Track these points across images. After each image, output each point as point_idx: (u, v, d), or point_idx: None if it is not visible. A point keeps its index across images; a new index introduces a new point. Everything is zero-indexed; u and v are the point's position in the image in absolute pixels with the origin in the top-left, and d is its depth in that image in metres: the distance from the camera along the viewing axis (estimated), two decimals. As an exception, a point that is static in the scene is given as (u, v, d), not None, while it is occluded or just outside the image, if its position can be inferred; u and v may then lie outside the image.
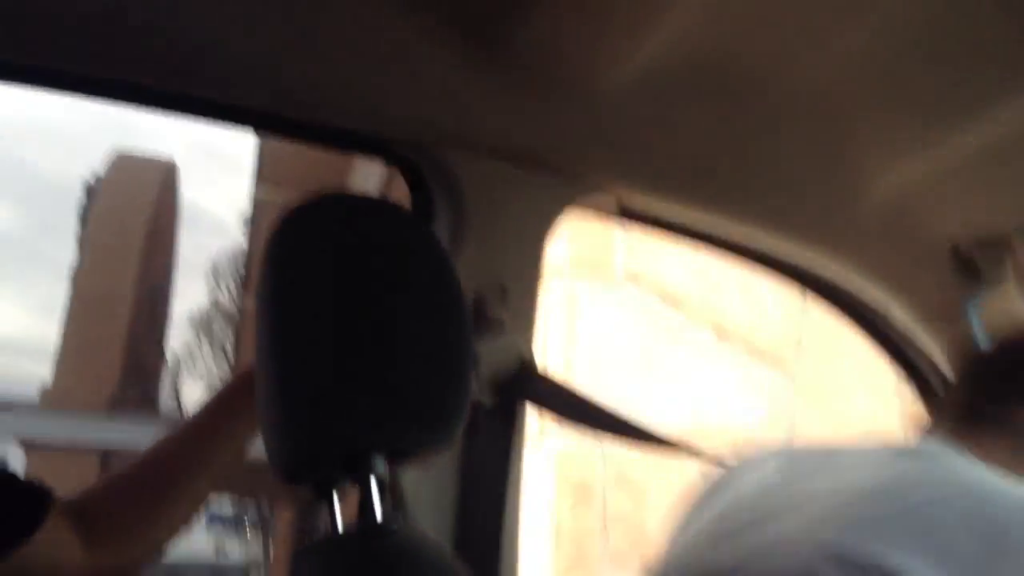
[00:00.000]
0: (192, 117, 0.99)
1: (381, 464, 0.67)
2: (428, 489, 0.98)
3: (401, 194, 1.07)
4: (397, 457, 0.70)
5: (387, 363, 0.68)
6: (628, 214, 1.17)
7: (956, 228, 1.15)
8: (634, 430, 0.98)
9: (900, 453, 0.84)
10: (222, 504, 17.39)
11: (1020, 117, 0.92)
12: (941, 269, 1.20)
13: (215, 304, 21.59)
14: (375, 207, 0.75)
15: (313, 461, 0.69)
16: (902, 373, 1.35)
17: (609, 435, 0.99)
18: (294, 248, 0.72)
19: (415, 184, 1.05)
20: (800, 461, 0.90)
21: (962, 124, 0.97)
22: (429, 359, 0.71)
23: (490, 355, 0.98)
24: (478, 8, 0.88)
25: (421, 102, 0.98)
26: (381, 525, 0.67)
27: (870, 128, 1.02)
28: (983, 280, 1.19)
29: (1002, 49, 0.85)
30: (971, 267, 1.18)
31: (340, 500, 0.74)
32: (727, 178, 1.12)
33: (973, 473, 0.77)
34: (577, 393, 1.00)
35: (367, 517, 0.68)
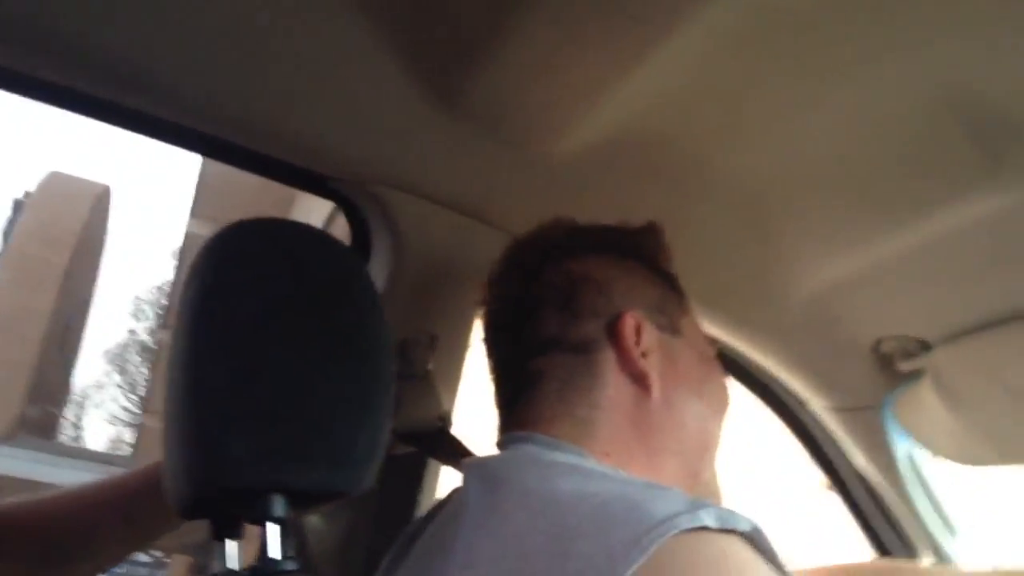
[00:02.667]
0: (139, 132, 0.97)
1: (281, 505, 0.65)
2: (334, 537, 0.95)
3: (341, 237, 1.05)
4: (299, 499, 0.67)
5: (296, 399, 0.66)
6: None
7: (879, 327, 1.18)
8: None
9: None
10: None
11: (952, 225, 0.95)
12: (861, 365, 1.22)
13: (132, 337, 21.00)
14: (308, 236, 0.73)
15: (209, 497, 0.65)
16: (815, 463, 1.36)
17: None
18: (219, 267, 0.70)
19: (355, 224, 1.04)
20: None
21: (900, 227, 1.00)
22: (342, 400, 0.68)
23: (410, 404, 0.95)
24: (438, 57, 0.88)
25: (369, 141, 0.97)
26: (273, 567, 0.64)
27: (808, 223, 1.04)
28: (900, 379, 1.21)
29: (945, 158, 0.88)
30: (889, 366, 1.21)
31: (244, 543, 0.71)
32: (662, 255, 1.13)
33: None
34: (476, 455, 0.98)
35: (262, 559, 0.64)
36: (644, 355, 0.76)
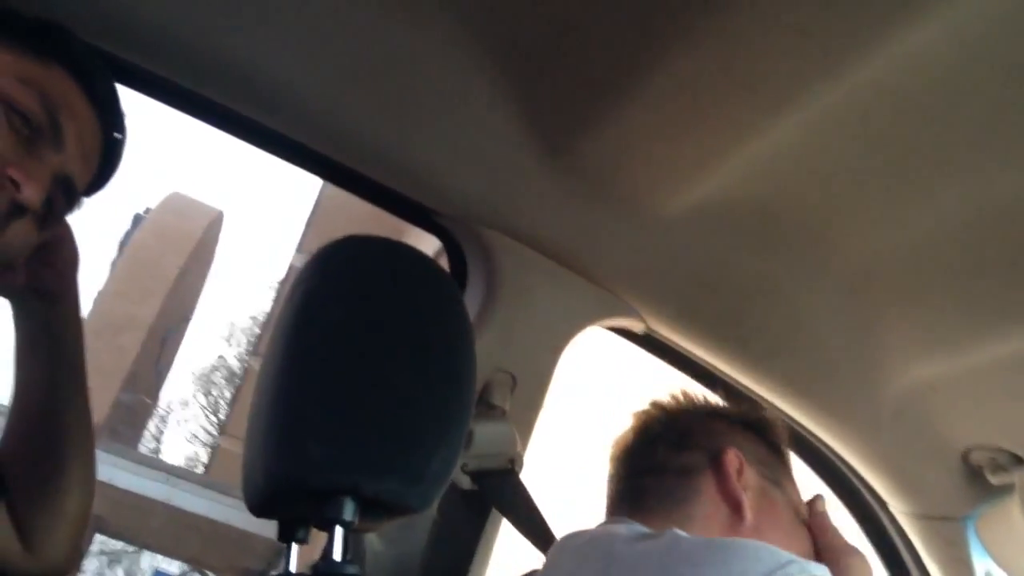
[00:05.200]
0: (260, 147, 1.03)
1: (350, 509, 0.66)
2: (390, 561, 0.96)
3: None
4: (369, 508, 0.68)
5: (380, 410, 0.68)
6: (651, 342, 1.18)
7: (972, 435, 1.13)
8: None
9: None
10: (170, 564, 16.89)
11: None
12: (948, 473, 1.17)
13: (221, 362, 21.60)
14: (415, 258, 0.76)
15: (282, 494, 0.67)
16: (887, 570, 1.30)
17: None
18: (322, 278, 0.73)
19: (453, 260, 1.07)
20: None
21: (997, 334, 0.97)
22: (423, 419, 0.70)
23: (484, 441, 0.97)
24: (558, 112, 0.91)
25: (481, 183, 1.01)
26: (335, 569, 0.65)
27: (911, 315, 1.02)
28: (988, 493, 1.16)
29: None
30: (978, 478, 1.16)
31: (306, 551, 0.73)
32: (754, 329, 1.13)
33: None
34: (537, 508, 0.99)
35: (325, 560, 0.66)
36: (743, 488, 0.88)
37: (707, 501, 0.88)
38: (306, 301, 0.72)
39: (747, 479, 0.89)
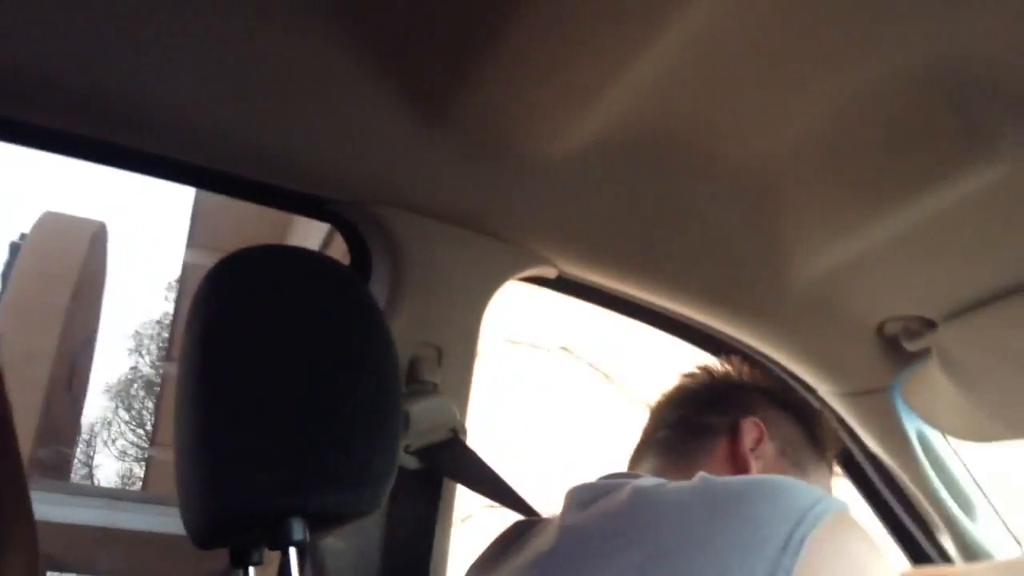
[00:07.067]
0: (131, 169, 0.97)
1: (300, 529, 0.65)
2: (351, 556, 0.95)
3: (339, 256, 1.05)
4: (318, 522, 0.67)
5: (310, 423, 0.66)
6: (566, 284, 1.18)
7: (883, 309, 1.17)
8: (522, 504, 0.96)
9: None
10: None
11: (946, 202, 0.95)
12: (867, 348, 1.22)
13: (135, 372, 21.00)
14: (310, 261, 0.74)
15: (228, 524, 0.66)
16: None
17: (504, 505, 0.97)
18: (223, 298, 0.70)
19: (353, 245, 1.04)
20: None
21: (895, 207, 0.99)
22: (356, 420, 0.69)
23: (421, 419, 0.96)
24: (427, 71, 0.88)
25: (365, 162, 0.98)
26: None
27: (807, 207, 1.04)
28: (907, 360, 1.21)
29: (933, 135, 0.88)
30: (896, 348, 1.21)
31: (260, 568, 0.71)
32: (664, 251, 1.14)
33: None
34: (490, 468, 0.99)
35: (284, 584, 0.65)
36: (756, 457, 0.91)
37: (716, 462, 0.91)
38: (207, 329, 0.69)
39: (764, 450, 0.92)
